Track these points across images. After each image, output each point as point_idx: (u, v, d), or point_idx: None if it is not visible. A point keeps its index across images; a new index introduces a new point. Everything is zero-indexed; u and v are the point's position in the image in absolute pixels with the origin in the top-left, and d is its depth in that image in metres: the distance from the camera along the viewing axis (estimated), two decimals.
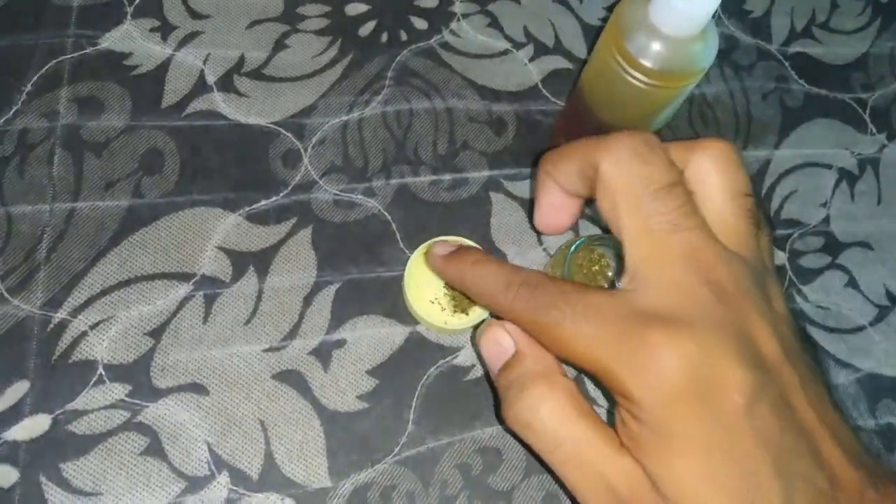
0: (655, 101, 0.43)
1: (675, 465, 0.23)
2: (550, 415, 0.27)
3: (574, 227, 0.52)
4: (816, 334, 0.52)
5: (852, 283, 0.54)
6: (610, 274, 0.50)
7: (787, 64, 0.62)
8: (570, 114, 0.52)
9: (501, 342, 0.29)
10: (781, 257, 0.54)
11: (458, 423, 0.45)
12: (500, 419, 0.38)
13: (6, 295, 0.43)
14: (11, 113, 0.47)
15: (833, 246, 0.55)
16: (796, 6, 0.66)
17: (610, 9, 0.60)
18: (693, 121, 0.57)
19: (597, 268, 0.49)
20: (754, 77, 0.61)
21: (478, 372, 0.46)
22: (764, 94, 0.60)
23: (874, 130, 0.61)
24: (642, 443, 0.24)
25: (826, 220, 0.56)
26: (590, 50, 0.58)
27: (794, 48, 0.64)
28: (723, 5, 0.64)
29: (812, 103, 0.61)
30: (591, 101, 0.47)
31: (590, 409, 0.27)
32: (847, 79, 0.63)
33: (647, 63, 0.41)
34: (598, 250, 0.49)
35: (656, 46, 0.40)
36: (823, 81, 0.62)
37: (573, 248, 0.46)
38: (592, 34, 0.59)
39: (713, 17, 0.39)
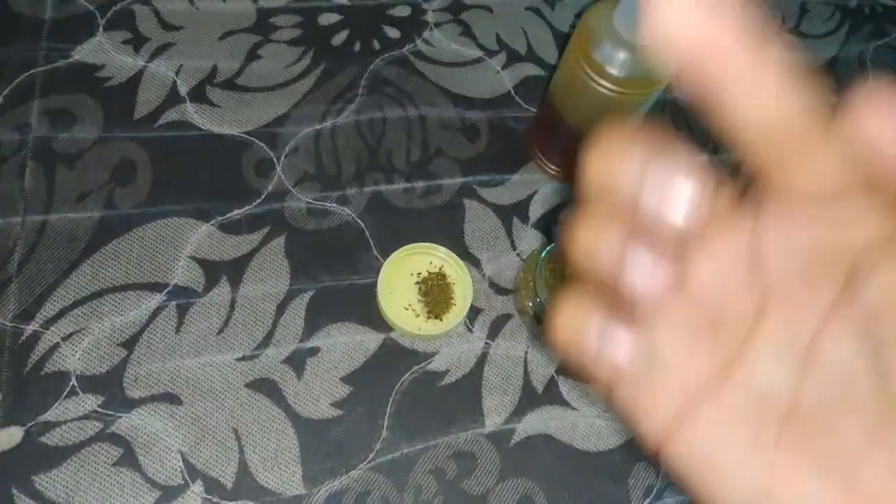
0: (623, 107, 0.44)
1: None
2: None
3: (548, 234, 0.52)
4: None
5: None
6: None
7: None
8: (542, 120, 0.53)
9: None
10: None
11: (433, 429, 0.45)
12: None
13: None
14: None
15: None
16: (766, 11, 0.66)
17: (580, 16, 0.61)
18: (665, 126, 0.58)
19: (570, 272, 0.50)
20: None
21: (452, 377, 0.47)
22: None
23: None
24: None
25: None
26: (560, 57, 0.59)
27: None
28: None
29: None
30: (561, 108, 0.47)
31: None
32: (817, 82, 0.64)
33: (613, 71, 0.41)
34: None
35: (622, 55, 0.41)
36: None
37: (545, 252, 0.46)
38: (564, 41, 0.60)
39: None
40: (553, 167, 0.53)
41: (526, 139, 0.55)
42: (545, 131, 0.52)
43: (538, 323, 0.47)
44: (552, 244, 0.47)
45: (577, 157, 0.53)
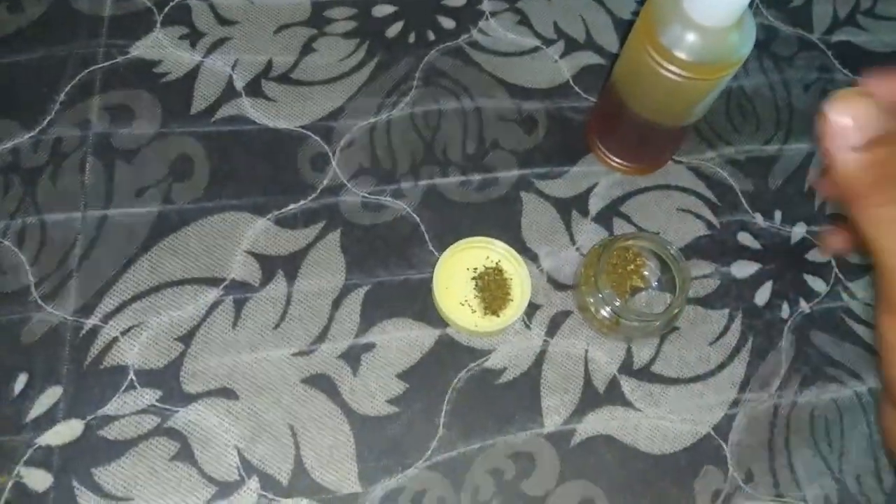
0: (691, 94, 0.42)
1: None
2: None
3: (608, 228, 0.50)
4: (864, 332, 0.50)
5: None
6: (646, 273, 0.48)
7: (829, 53, 0.60)
8: (603, 109, 0.51)
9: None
10: (828, 255, 0.52)
11: (490, 428, 0.44)
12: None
13: (40, 302, 0.44)
14: (45, 122, 0.48)
15: None
16: None
17: (642, 2, 0.59)
18: (731, 115, 0.55)
19: (632, 267, 0.48)
20: (795, 68, 0.59)
21: (510, 375, 0.45)
22: (806, 84, 0.58)
23: None
24: None
25: None
26: (622, 44, 0.57)
27: (838, 37, 0.61)
28: None
29: None
30: (625, 96, 0.45)
31: None
32: (894, 66, 0.60)
33: (681, 55, 0.39)
34: (633, 249, 0.48)
35: (690, 38, 0.39)
36: (869, 70, 0.60)
37: (605, 246, 0.45)
38: (624, 28, 0.58)
39: (750, 5, 0.37)
40: (615, 158, 0.51)
41: (586, 130, 0.53)
42: (607, 121, 0.50)
43: (598, 318, 0.45)
44: (613, 237, 0.45)
45: (642, 147, 0.52)
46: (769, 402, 0.47)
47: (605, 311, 0.44)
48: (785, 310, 0.49)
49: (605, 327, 0.45)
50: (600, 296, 0.44)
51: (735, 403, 0.47)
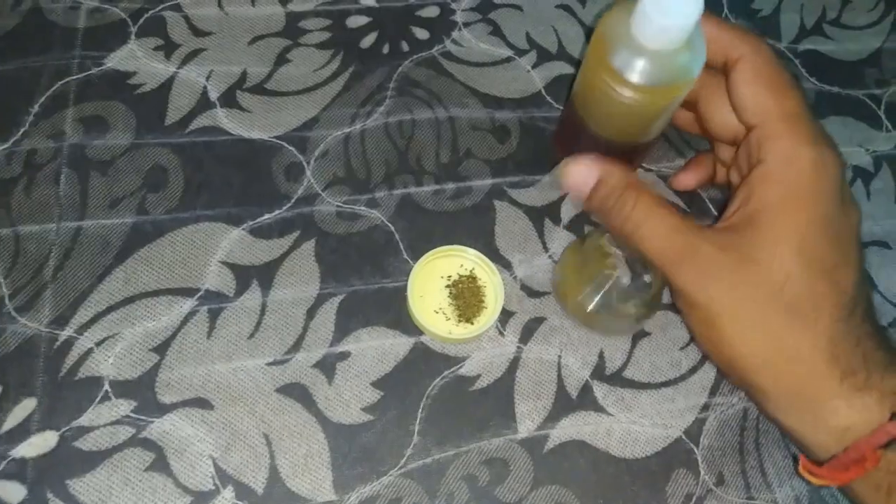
0: (646, 114, 0.43)
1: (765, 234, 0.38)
2: (648, 207, 0.40)
3: (580, 235, 0.51)
4: None
5: (871, 283, 0.53)
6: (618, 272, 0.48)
7: (797, 62, 0.61)
8: (566, 125, 0.52)
9: (588, 172, 0.42)
10: None
11: (465, 435, 0.44)
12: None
13: (14, 313, 0.44)
14: (20, 134, 0.48)
15: None
16: (806, 3, 0.65)
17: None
18: None
19: (610, 259, 0.47)
20: None
21: (484, 381, 0.46)
22: None
23: (889, 127, 0.60)
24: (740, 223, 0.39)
25: None
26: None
27: (805, 45, 0.62)
28: (730, 4, 0.63)
29: (824, 101, 0.60)
30: (583, 114, 0.46)
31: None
32: (860, 75, 0.62)
33: (632, 79, 0.39)
34: (607, 246, 0.48)
35: (640, 62, 0.39)
36: (836, 79, 0.61)
37: (590, 239, 0.46)
38: None
39: (697, 26, 0.38)
40: None
41: (551, 141, 0.54)
42: (569, 134, 0.51)
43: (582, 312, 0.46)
44: (592, 231, 0.46)
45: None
46: (739, 405, 0.48)
47: (589, 305, 0.45)
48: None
49: (588, 319, 0.46)
50: (586, 288, 0.45)
51: (706, 407, 0.47)
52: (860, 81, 0.62)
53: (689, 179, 0.51)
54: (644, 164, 0.54)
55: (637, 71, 0.39)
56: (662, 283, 0.45)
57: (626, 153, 0.49)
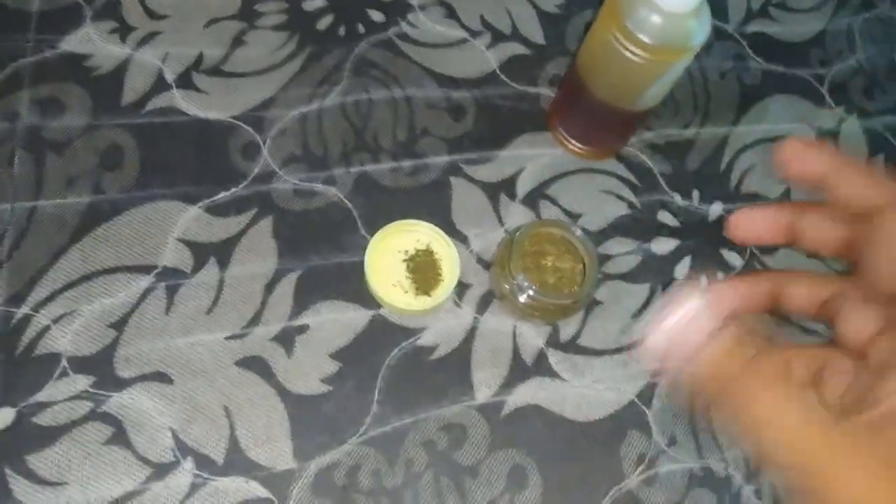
0: (647, 76, 0.45)
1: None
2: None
3: (535, 210, 0.52)
4: None
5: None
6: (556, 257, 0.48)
7: (744, 43, 0.63)
8: (565, 94, 0.54)
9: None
10: None
11: (423, 403, 0.45)
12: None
13: None
14: None
15: None
16: None
17: None
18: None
19: (543, 251, 0.48)
20: (712, 57, 0.62)
21: (441, 351, 0.47)
22: (722, 72, 0.61)
23: (832, 104, 0.62)
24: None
25: (787, 193, 0.57)
26: (551, 36, 0.59)
27: (752, 27, 0.64)
28: None
29: (770, 80, 0.62)
30: (587, 80, 0.48)
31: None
32: (805, 55, 0.64)
33: (644, 38, 0.43)
34: (542, 233, 0.48)
35: (654, 21, 0.42)
36: (781, 59, 0.63)
37: (520, 232, 0.46)
38: (549, 21, 0.60)
39: None
40: (573, 142, 0.54)
41: (547, 114, 0.56)
42: (567, 105, 0.53)
43: (512, 303, 0.47)
44: (525, 225, 0.47)
45: (599, 131, 0.55)
46: None
47: (521, 297, 0.46)
48: (703, 283, 0.52)
49: (521, 311, 0.47)
50: (515, 282, 0.45)
51: (657, 373, 0.49)
52: (805, 61, 0.64)
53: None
54: None
55: (649, 30, 0.42)
56: (595, 283, 0.46)
57: (617, 122, 0.51)
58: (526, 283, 0.45)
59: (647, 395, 0.48)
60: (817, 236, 0.27)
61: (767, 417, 0.24)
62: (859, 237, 0.26)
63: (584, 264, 0.47)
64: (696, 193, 0.55)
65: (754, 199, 0.56)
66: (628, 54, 0.44)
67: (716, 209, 0.55)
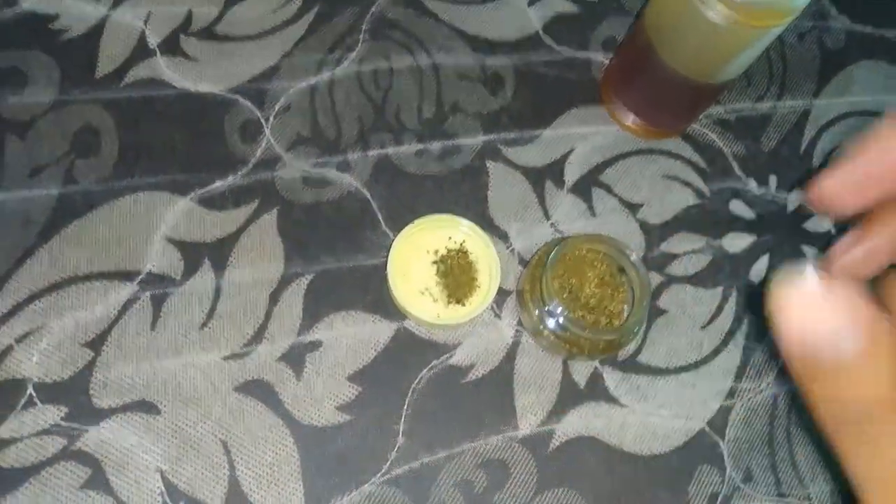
0: (731, 44, 0.38)
1: None
2: None
3: (587, 200, 0.45)
4: None
5: None
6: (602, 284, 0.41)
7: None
8: (625, 58, 0.46)
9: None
10: (828, 223, 0.47)
11: (457, 434, 0.40)
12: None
13: None
14: None
15: None
16: None
17: None
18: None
19: (588, 274, 0.41)
20: None
21: (478, 372, 0.41)
22: (800, 33, 0.53)
23: None
24: None
25: None
26: None
27: None
28: None
29: (855, 43, 0.54)
30: (655, 42, 0.41)
31: None
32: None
33: None
34: (584, 253, 0.41)
35: None
36: (868, 16, 0.55)
37: (552, 256, 0.38)
38: None
39: None
40: (630, 116, 0.46)
41: (601, 81, 0.48)
42: (628, 72, 0.45)
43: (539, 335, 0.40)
44: (562, 244, 0.39)
45: (664, 105, 0.45)
46: (768, 391, 0.43)
47: (550, 324, 0.39)
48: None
49: (550, 343, 0.40)
50: (546, 307, 0.38)
51: (731, 394, 0.42)
52: None
53: None
54: None
55: None
56: (643, 318, 0.39)
57: (689, 97, 0.43)
58: (559, 310, 0.37)
59: (719, 421, 0.42)
60: None
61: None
62: None
63: (633, 292, 0.39)
64: (773, 179, 0.48)
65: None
66: (713, 15, 0.36)
67: (795, 197, 0.48)
